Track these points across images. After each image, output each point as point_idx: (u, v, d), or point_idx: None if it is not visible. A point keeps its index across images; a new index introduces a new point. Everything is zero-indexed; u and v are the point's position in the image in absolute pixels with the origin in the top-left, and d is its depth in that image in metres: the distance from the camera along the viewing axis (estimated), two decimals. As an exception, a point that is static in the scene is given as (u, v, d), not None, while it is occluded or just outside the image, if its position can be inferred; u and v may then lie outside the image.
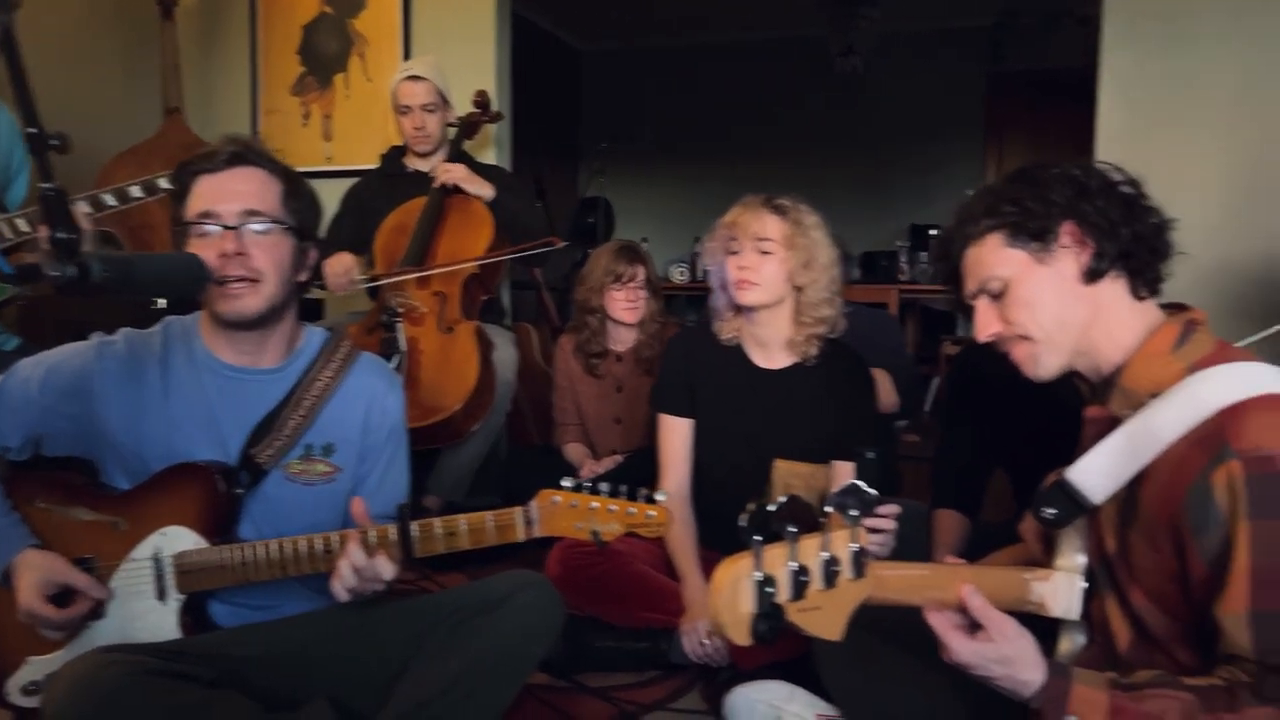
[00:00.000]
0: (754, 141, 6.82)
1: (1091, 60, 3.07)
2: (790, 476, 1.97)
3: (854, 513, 1.07)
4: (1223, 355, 1.18)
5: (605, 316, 2.73)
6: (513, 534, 1.39)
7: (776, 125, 6.80)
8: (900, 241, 5.89)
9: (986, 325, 1.29)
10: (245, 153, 1.49)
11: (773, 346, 2.01)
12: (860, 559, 1.08)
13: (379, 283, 2.79)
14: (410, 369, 2.60)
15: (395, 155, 3.17)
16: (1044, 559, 1.36)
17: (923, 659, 1.29)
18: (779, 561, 1.02)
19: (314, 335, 1.62)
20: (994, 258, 1.26)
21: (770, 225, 1.91)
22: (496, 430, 2.88)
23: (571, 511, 1.37)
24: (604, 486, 1.38)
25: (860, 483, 1.08)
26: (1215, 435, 1.09)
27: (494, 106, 3.27)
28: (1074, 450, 1.33)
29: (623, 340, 2.79)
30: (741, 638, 1.00)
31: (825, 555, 1.05)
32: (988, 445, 2.01)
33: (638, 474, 2.35)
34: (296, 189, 1.52)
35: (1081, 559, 1.25)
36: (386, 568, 1.37)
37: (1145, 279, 1.25)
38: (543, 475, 2.77)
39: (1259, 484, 1.06)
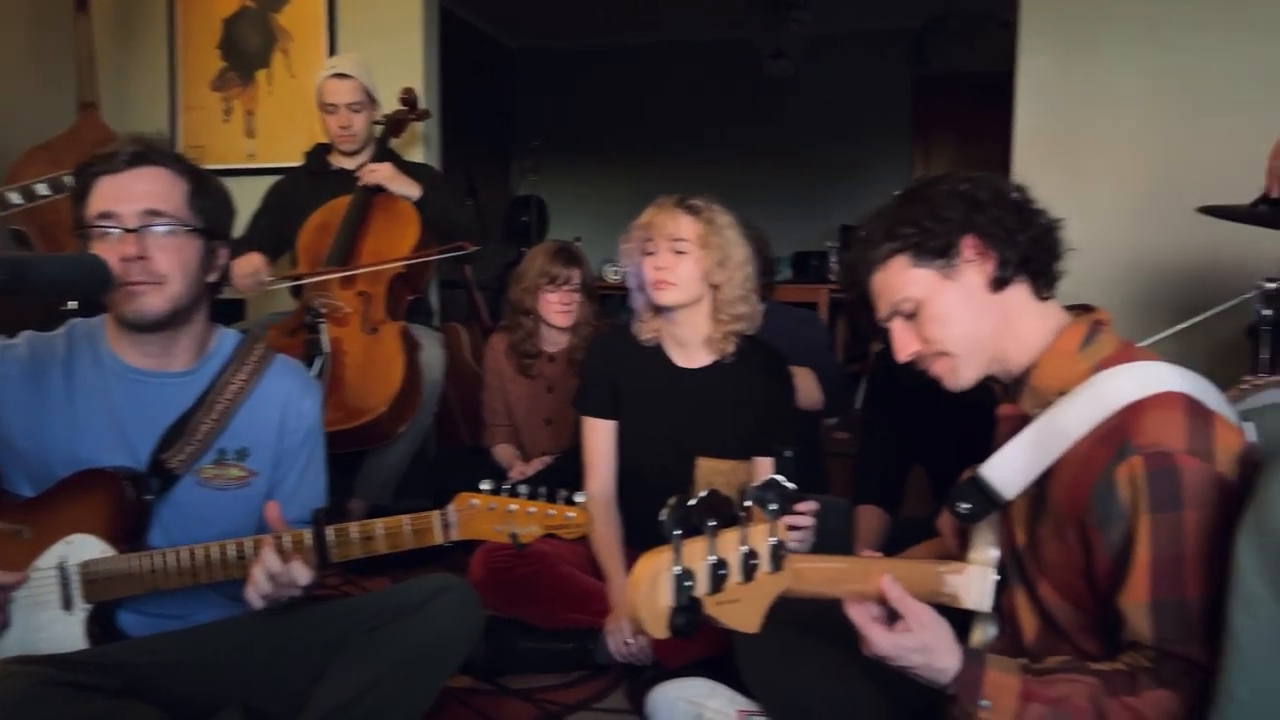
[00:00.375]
0: (687, 141, 6.86)
1: (1013, 64, 3.15)
2: (712, 474, 1.99)
3: (773, 507, 1.08)
4: (1126, 354, 1.22)
5: (539, 318, 2.72)
6: (430, 537, 1.38)
7: (709, 125, 6.85)
8: (830, 242, 5.98)
9: (905, 345, 1.31)
10: (147, 152, 1.44)
11: (692, 345, 2.02)
12: (778, 552, 1.09)
13: (288, 284, 2.74)
14: (334, 370, 2.56)
15: (320, 153, 3.11)
16: (960, 553, 1.40)
17: (841, 650, 1.32)
18: (698, 555, 1.03)
19: (227, 337, 1.58)
20: (902, 280, 1.29)
21: (684, 225, 1.93)
22: (424, 432, 2.85)
23: (490, 514, 1.37)
24: (523, 488, 1.37)
25: (780, 477, 1.09)
26: (1118, 432, 1.13)
27: (422, 104, 3.23)
28: (989, 447, 1.37)
29: (556, 341, 2.78)
30: (659, 631, 1.00)
31: (744, 549, 1.06)
32: (907, 443, 2.06)
33: (568, 475, 2.36)
34: (204, 188, 1.49)
35: (994, 552, 1.29)
36: (302, 573, 1.35)
37: (1045, 279, 1.29)
38: (472, 476, 2.73)
39: (1158, 479, 1.09)
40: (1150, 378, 1.16)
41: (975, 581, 1.28)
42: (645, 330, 2.05)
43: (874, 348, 5.80)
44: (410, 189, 2.82)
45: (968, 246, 1.26)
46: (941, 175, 1.31)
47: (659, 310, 2.00)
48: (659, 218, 1.95)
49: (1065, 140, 3.08)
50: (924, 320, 1.28)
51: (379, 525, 1.38)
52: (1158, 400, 1.13)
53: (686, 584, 1.00)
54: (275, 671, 1.42)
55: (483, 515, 1.37)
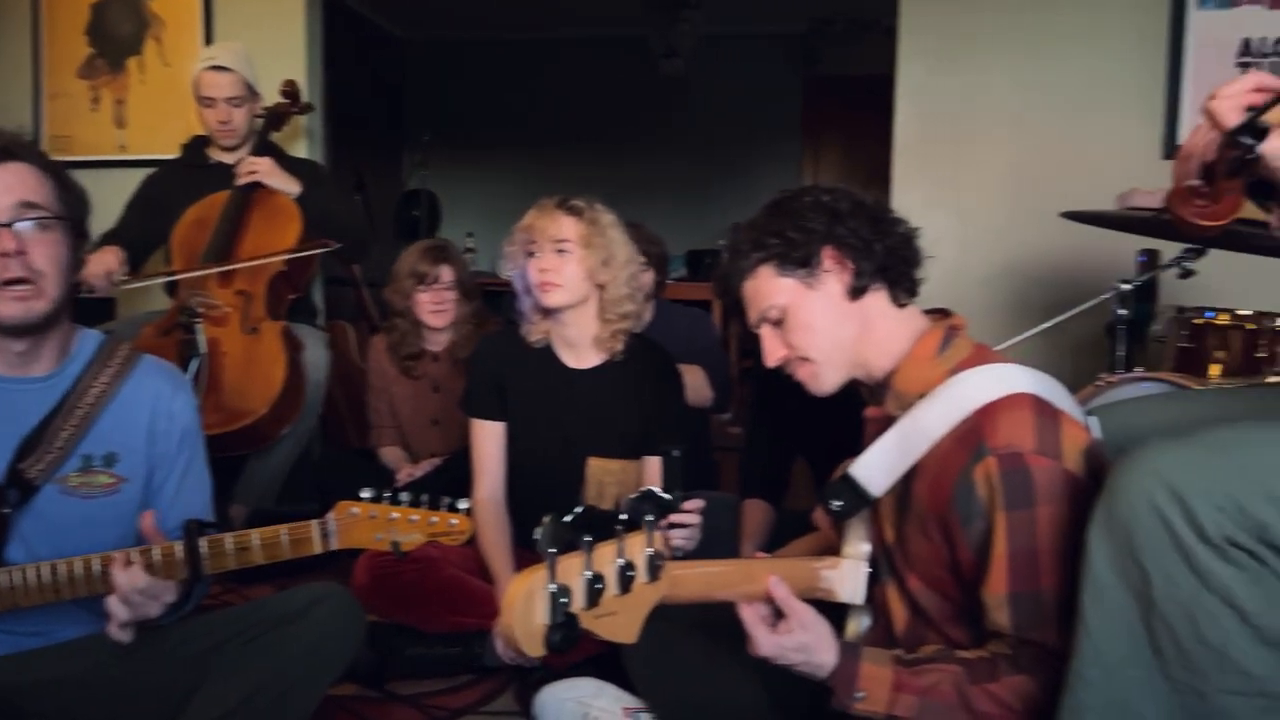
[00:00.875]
0: (582, 137, 6.85)
1: (893, 71, 3.26)
2: (603, 474, 2.00)
3: (650, 517, 1.10)
4: (980, 358, 1.28)
5: (414, 318, 2.68)
6: (309, 548, 1.35)
7: (604, 121, 6.85)
8: (724, 240, 6.05)
9: (773, 351, 1.36)
10: (11, 146, 1.37)
11: (581, 346, 2.03)
12: (656, 562, 1.11)
13: (152, 281, 2.63)
14: (212, 372, 2.47)
15: (197, 146, 2.99)
16: (838, 546, 1.45)
17: (726, 646, 1.35)
18: (574, 571, 1.03)
19: (88, 339, 1.51)
20: (768, 288, 1.33)
21: (566, 226, 1.94)
22: (308, 434, 2.78)
23: (371, 523, 1.34)
24: (404, 496, 1.36)
25: (655, 489, 1.11)
26: (974, 433, 1.19)
27: (305, 97, 3.14)
28: (862, 437, 1.42)
29: (438, 340, 2.75)
30: (535, 649, 1.00)
31: (621, 561, 1.08)
32: (790, 438, 2.12)
33: (457, 477, 2.34)
34: (67, 184, 1.42)
35: (866, 547, 1.34)
36: (166, 589, 1.30)
37: (903, 287, 1.34)
38: (359, 479, 2.68)
39: (1011, 479, 1.16)
40: (1001, 380, 1.22)
41: (849, 576, 1.32)
42: (534, 332, 2.05)
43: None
44: (290, 185, 2.74)
45: (828, 256, 1.31)
46: (806, 187, 1.37)
47: (546, 312, 2.00)
48: (540, 220, 1.95)
49: (941, 146, 3.20)
50: (789, 327, 1.33)
51: (255, 536, 1.34)
52: (1009, 402, 1.19)
53: (562, 600, 1.00)
54: (147, 687, 1.37)
55: (363, 524, 1.34)
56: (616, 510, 1.09)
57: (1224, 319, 2.20)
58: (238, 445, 2.54)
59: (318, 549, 1.35)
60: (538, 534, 0.99)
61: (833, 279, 1.32)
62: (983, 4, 3.15)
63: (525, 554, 2.01)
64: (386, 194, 6.40)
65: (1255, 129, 0.93)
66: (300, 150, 3.35)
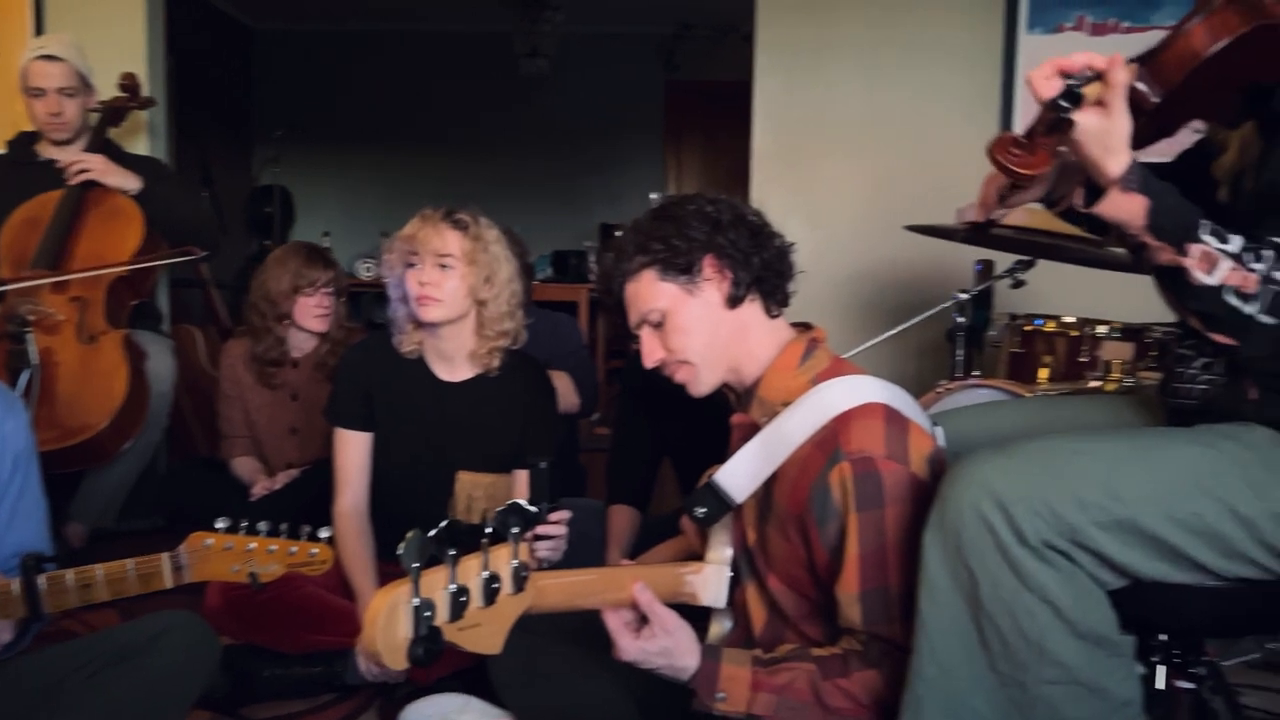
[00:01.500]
0: (443, 134, 6.74)
1: (751, 82, 3.35)
2: (472, 487, 1.99)
3: (515, 530, 1.11)
4: (838, 369, 1.36)
5: (293, 323, 2.59)
6: (159, 582, 1.30)
7: (466, 119, 6.76)
8: (589, 241, 6.09)
9: (651, 352, 1.40)
10: None
11: (455, 359, 2.01)
12: (521, 574, 1.12)
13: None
14: (45, 385, 2.32)
15: (26, 141, 2.80)
16: (701, 549, 1.50)
17: (592, 654, 1.38)
18: (438, 585, 1.03)
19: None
20: (650, 292, 1.38)
21: (451, 240, 1.91)
22: (152, 447, 2.65)
23: (226, 555, 1.30)
24: (262, 525, 1.32)
25: (522, 501, 1.12)
26: (830, 439, 1.26)
27: (146, 90, 2.98)
28: (729, 438, 1.47)
29: (302, 347, 2.66)
30: (397, 663, 1.00)
31: (486, 574, 1.08)
32: (655, 444, 2.16)
33: (316, 488, 2.28)
34: None
35: (728, 552, 1.39)
36: (3, 628, 1.23)
37: (776, 299, 1.41)
38: (209, 492, 2.59)
39: (862, 481, 1.23)
40: (856, 390, 1.30)
41: (712, 580, 1.37)
42: (406, 342, 2.01)
43: (633, 346, 6.00)
44: (128, 181, 2.60)
45: (708, 265, 1.36)
46: (691, 195, 1.42)
47: (420, 323, 1.97)
48: (425, 231, 1.91)
49: (797, 156, 3.31)
50: (669, 330, 1.38)
51: (99, 571, 1.28)
52: (862, 410, 1.27)
53: (426, 614, 1.00)
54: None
55: (218, 556, 1.30)
56: (483, 523, 1.10)
57: (1051, 326, 2.38)
58: (75, 461, 2.40)
59: (168, 584, 1.30)
60: (400, 549, 0.98)
61: (712, 287, 1.37)
62: (833, 20, 3.28)
63: (389, 568, 1.98)
64: (236, 190, 6.14)
65: (1073, 95, 1.01)
66: (142, 147, 3.18)
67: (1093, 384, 2.10)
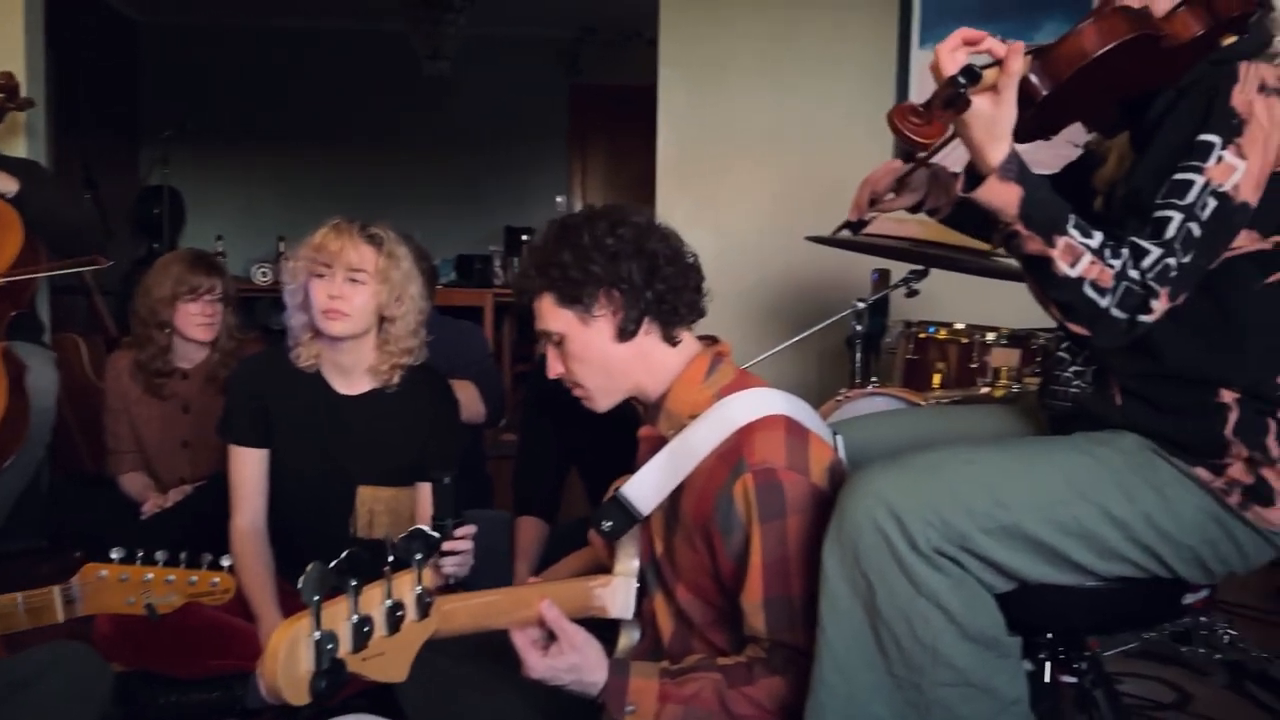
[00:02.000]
0: (342, 136, 6.60)
1: (655, 90, 3.39)
2: (374, 502, 1.96)
3: (419, 556, 1.10)
4: (742, 382, 1.39)
5: (175, 332, 2.50)
6: (51, 616, 1.25)
7: (367, 121, 6.63)
8: (494, 245, 6.04)
9: (553, 366, 1.43)
10: None
11: (354, 373, 1.97)
12: (424, 599, 1.12)
13: None
14: (-87, 401, 2.19)
15: (-113, 141, 2.63)
16: (609, 560, 1.51)
17: (501, 671, 1.37)
18: (340, 616, 1.02)
19: None
20: (549, 314, 1.39)
21: (366, 255, 1.87)
22: (34, 465, 2.51)
23: (121, 586, 1.26)
24: (160, 555, 1.27)
25: (424, 527, 1.11)
26: (734, 451, 1.29)
27: (24, 91, 2.83)
28: (636, 447, 1.49)
29: (192, 357, 2.57)
30: (300, 698, 0.99)
31: (389, 602, 1.07)
32: (563, 451, 2.16)
33: (211, 505, 2.21)
34: None
35: (635, 563, 1.41)
36: None
37: (676, 326, 1.41)
38: (95, 510, 2.48)
39: (765, 492, 1.26)
40: (759, 403, 1.33)
41: (619, 592, 1.39)
42: (304, 354, 1.96)
43: (538, 352, 5.97)
44: (2, 185, 2.47)
45: (602, 299, 1.37)
46: (597, 216, 1.40)
47: (319, 333, 1.92)
48: (338, 243, 1.86)
49: (700, 167, 3.37)
50: (566, 354, 1.40)
51: (-19, 603, 1.22)
52: (765, 423, 1.31)
53: (329, 647, 0.99)
54: None
55: (113, 587, 1.25)
56: (386, 546, 1.09)
57: (943, 333, 2.48)
58: (-53, 481, 2.27)
59: (60, 618, 1.25)
60: (301, 582, 0.97)
61: (605, 320, 1.38)
62: (734, 34, 3.34)
63: (289, 587, 1.93)
64: (123, 191, 5.89)
65: (972, 73, 1.07)
66: (19, 149, 3.02)
67: (983, 390, 2.19)
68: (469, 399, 2.58)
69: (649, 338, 1.40)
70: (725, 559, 1.30)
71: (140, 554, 1.27)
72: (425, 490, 1.97)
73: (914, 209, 1.74)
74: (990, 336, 2.40)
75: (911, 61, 3.34)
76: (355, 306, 1.86)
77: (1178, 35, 1.19)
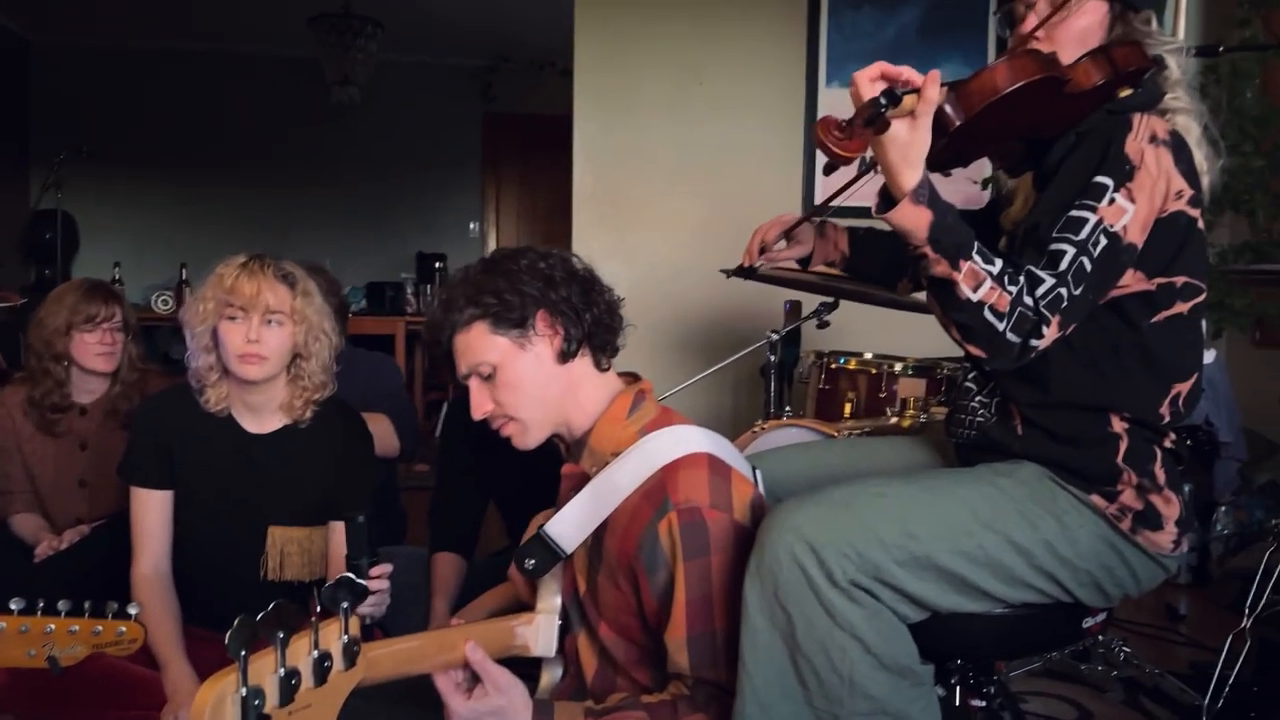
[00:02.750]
0: (250, 161, 6.44)
1: (571, 124, 3.42)
2: (285, 542, 1.91)
3: (345, 605, 1.09)
4: (665, 419, 1.41)
5: (73, 364, 2.40)
6: (-55, 668, 1.18)
7: (275, 146, 6.49)
8: (406, 273, 5.97)
9: (480, 404, 1.41)
10: None
11: (264, 411, 1.93)
12: (352, 649, 1.10)
13: None
14: None
15: None
16: (528, 596, 1.50)
17: (421, 715, 1.35)
18: (266, 670, 1.00)
19: None
20: (481, 344, 1.38)
21: (282, 297, 1.83)
22: (-87, 508, 2.38)
23: (21, 638, 1.20)
24: (63, 604, 1.21)
25: (351, 575, 1.09)
26: (659, 490, 1.30)
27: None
28: (556, 484, 1.49)
29: (91, 390, 2.46)
30: None
31: (316, 653, 1.05)
32: (482, 486, 2.14)
33: (110, 547, 2.11)
34: None
35: (558, 600, 1.41)
36: None
37: (606, 352, 1.44)
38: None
39: (689, 531, 1.28)
40: (681, 441, 1.35)
41: (542, 630, 1.39)
42: (213, 397, 1.90)
43: (452, 385, 5.90)
44: None
45: (541, 320, 1.38)
46: (522, 249, 1.43)
47: (227, 373, 1.87)
48: (253, 286, 1.81)
49: (615, 199, 3.41)
50: (499, 384, 1.39)
51: None
52: (688, 461, 1.32)
53: (255, 703, 0.96)
54: None
55: (12, 639, 1.20)
56: (311, 592, 1.06)
57: (853, 364, 2.55)
58: None
59: (-47, 671, 1.18)
60: (228, 638, 0.94)
61: (544, 342, 1.39)
62: (646, 69, 3.40)
63: (197, 633, 1.87)
64: (12, 216, 5.64)
65: (893, 96, 1.11)
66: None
67: (891, 419, 2.26)
68: (383, 433, 2.54)
69: (583, 363, 1.42)
70: (649, 597, 1.31)
71: (41, 604, 1.21)
72: (339, 529, 1.93)
73: (803, 262, 1.86)
74: (898, 367, 2.48)
75: (819, 100, 3.45)
76: (272, 349, 1.83)
77: (1080, 83, 1.28)
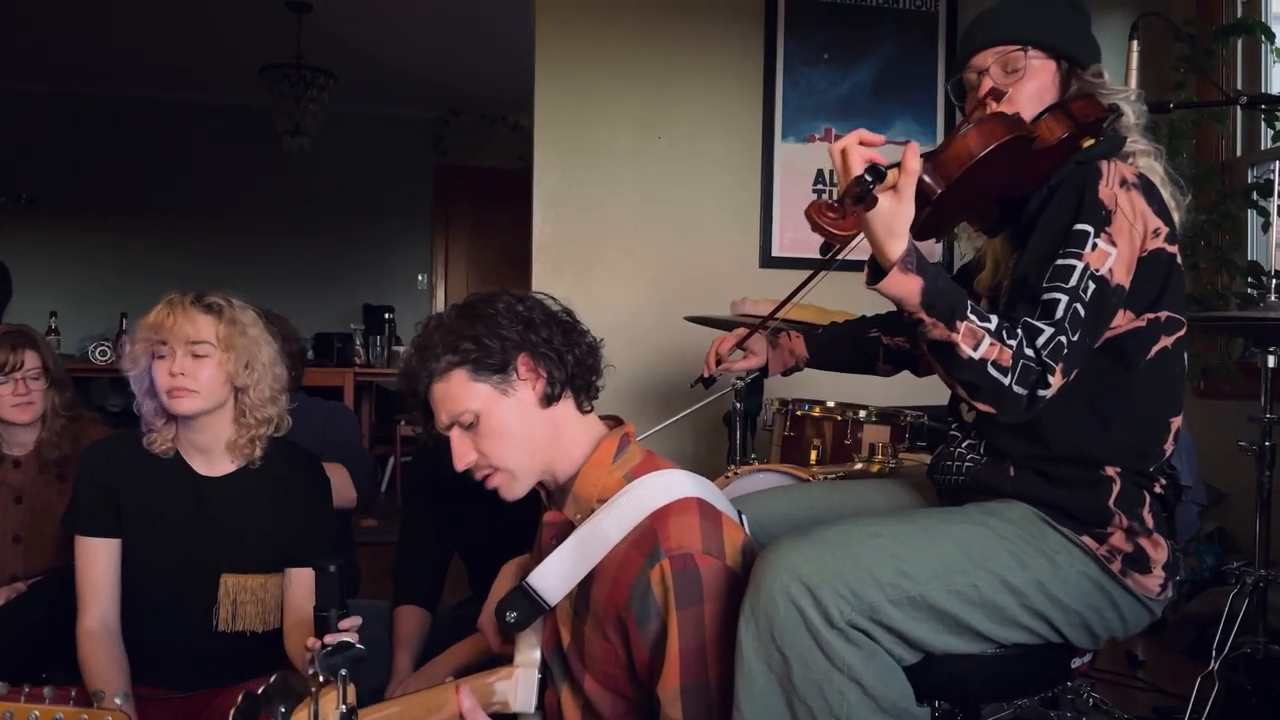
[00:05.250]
0: (195, 210, 6.35)
1: (525, 164, 3.42)
2: (238, 591, 1.82)
3: (344, 672, 1.04)
4: (650, 464, 1.38)
5: None
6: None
7: (221, 195, 6.41)
8: (355, 324, 5.89)
9: (463, 455, 1.36)
10: None
11: (213, 452, 1.85)
12: (350, 717, 1.06)
13: None
14: None
15: None
16: (500, 648, 1.45)
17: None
18: (274, 746, 0.95)
19: None
20: (461, 393, 1.34)
21: (204, 327, 1.76)
22: None
23: (3, 724, 1.12)
24: (47, 691, 1.13)
25: (349, 638, 1.05)
26: (649, 537, 1.27)
27: None
28: (523, 532, 1.44)
29: (22, 443, 2.35)
30: None
31: (317, 725, 1.01)
32: (446, 538, 2.09)
33: (47, 605, 2.00)
34: None
35: (537, 655, 1.36)
36: None
37: (587, 394, 1.42)
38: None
39: (682, 579, 1.24)
40: (671, 486, 1.32)
41: (522, 684, 1.35)
42: (159, 440, 1.83)
43: (401, 429, 5.80)
44: None
45: (522, 364, 1.35)
46: (497, 292, 1.40)
47: (173, 417, 1.80)
48: (172, 318, 1.75)
49: (576, 248, 3.42)
50: (482, 433, 1.34)
51: None
52: (678, 506, 1.29)
53: (258, 779, 0.91)
54: None
55: (-7, 726, 1.11)
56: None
57: (817, 411, 2.55)
58: None
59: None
60: (232, 716, 0.89)
61: (526, 387, 1.35)
62: (606, 122, 3.43)
63: (145, 692, 1.77)
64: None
65: (877, 172, 1.14)
66: None
67: (859, 465, 2.26)
68: (340, 483, 2.46)
69: (565, 407, 1.39)
70: (640, 648, 1.27)
71: (27, 690, 1.12)
72: (296, 576, 1.85)
73: (762, 370, 2.05)
74: (862, 414, 2.49)
75: (775, 154, 3.52)
76: (202, 381, 1.76)
77: (1046, 138, 1.32)
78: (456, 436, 1.36)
